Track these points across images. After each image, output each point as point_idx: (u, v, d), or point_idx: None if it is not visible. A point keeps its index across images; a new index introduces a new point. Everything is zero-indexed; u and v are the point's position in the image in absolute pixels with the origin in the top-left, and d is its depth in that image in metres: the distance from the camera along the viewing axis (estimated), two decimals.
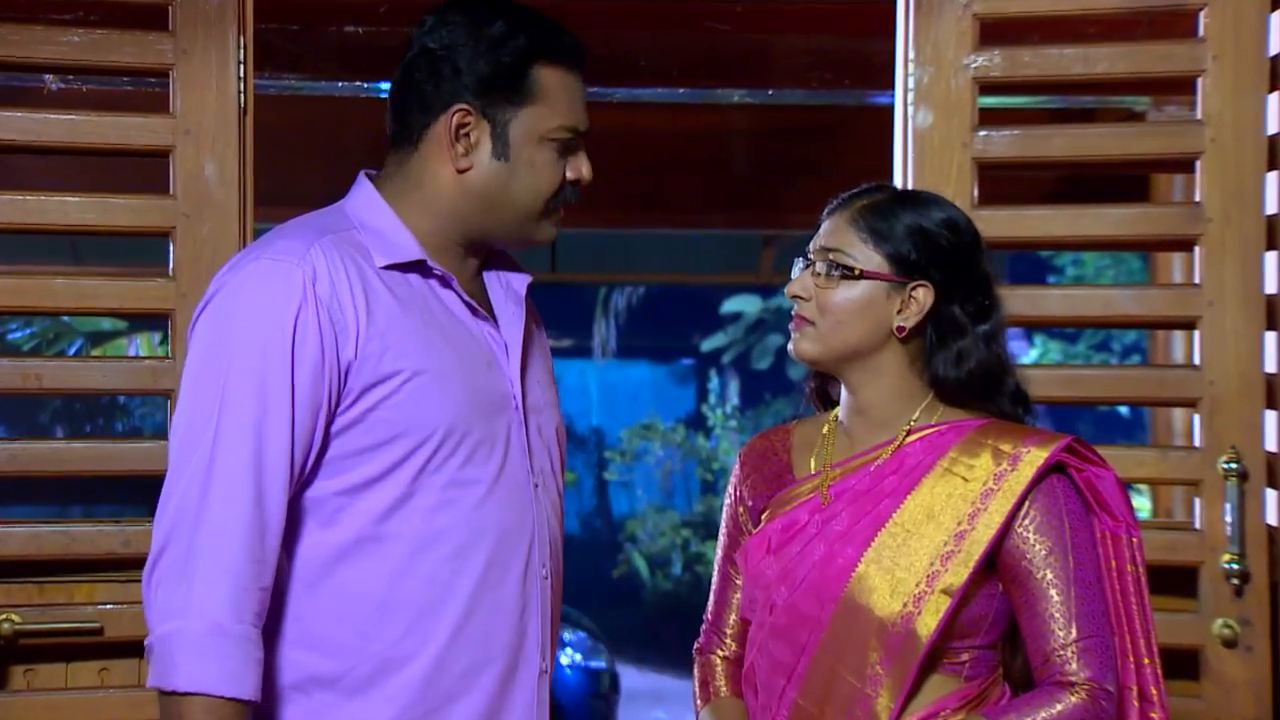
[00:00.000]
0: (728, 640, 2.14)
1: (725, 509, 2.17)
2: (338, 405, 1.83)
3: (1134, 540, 1.95)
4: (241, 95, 2.67)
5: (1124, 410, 11.65)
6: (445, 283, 1.94)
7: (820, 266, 1.97)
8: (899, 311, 1.96)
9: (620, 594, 13.25)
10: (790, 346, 2.02)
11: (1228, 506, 2.65)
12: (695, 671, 2.16)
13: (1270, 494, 2.70)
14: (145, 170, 2.70)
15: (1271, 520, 2.70)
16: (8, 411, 11.42)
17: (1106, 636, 1.89)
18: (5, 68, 2.88)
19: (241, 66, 2.67)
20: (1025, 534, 1.90)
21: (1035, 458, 1.90)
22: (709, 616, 2.18)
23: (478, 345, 1.94)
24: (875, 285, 1.96)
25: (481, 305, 1.98)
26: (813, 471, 2.04)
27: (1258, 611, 2.67)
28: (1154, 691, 1.93)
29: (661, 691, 11.12)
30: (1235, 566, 2.65)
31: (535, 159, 1.91)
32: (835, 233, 1.99)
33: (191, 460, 1.79)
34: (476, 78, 1.89)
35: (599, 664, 8.56)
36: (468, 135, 1.90)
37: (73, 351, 10.61)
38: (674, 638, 12.22)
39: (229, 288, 1.84)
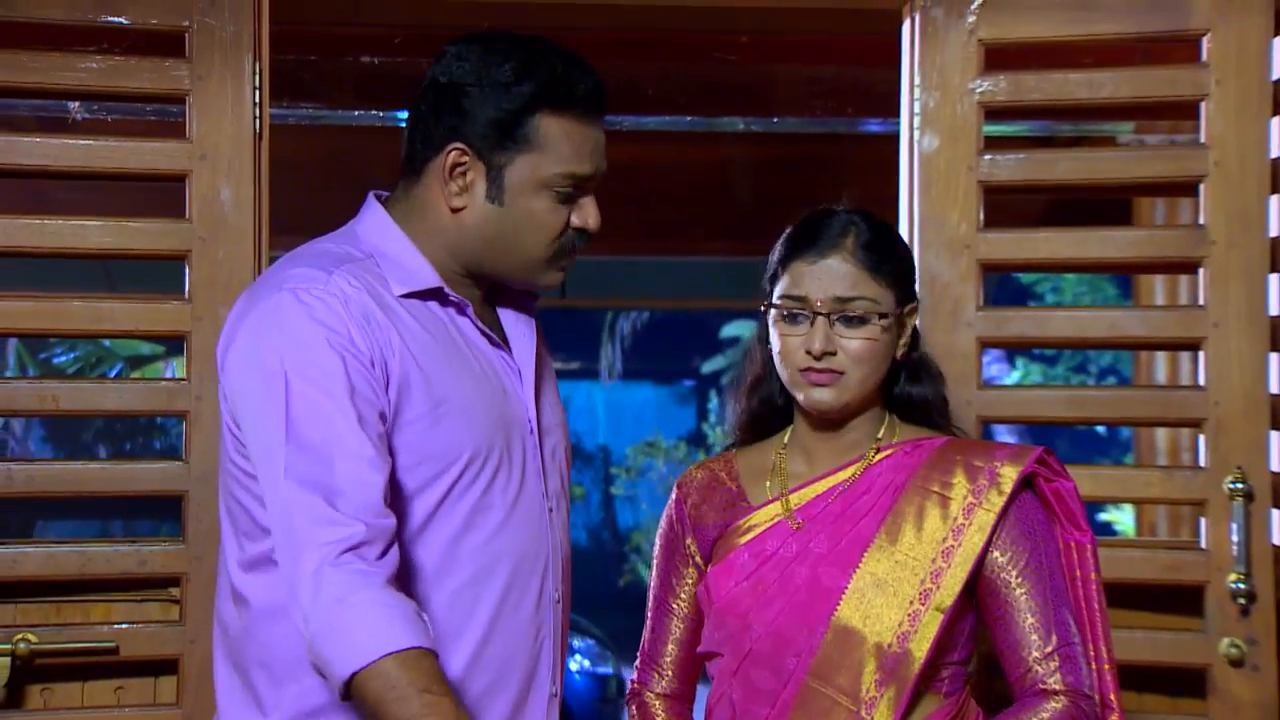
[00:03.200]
0: (667, 675, 1.98)
1: (661, 542, 2.00)
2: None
3: (1094, 549, 1.86)
4: (257, 121, 2.52)
5: (1100, 426, 11.48)
6: (461, 310, 1.81)
7: (842, 317, 1.81)
8: (899, 338, 1.87)
9: (625, 602, 13.10)
10: (818, 397, 1.83)
11: (1234, 526, 2.50)
12: (635, 713, 1.99)
13: (1275, 514, 2.54)
14: (178, 195, 2.55)
15: (1277, 540, 2.54)
16: (56, 431, 11.29)
17: (1080, 643, 1.80)
18: (24, 94, 2.76)
19: (257, 92, 2.52)
20: (1004, 547, 1.80)
21: (1011, 472, 1.81)
22: (644, 650, 2.01)
23: (495, 371, 1.82)
24: (890, 321, 1.83)
25: (494, 329, 1.85)
26: (770, 497, 1.90)
27: (1264, 631, 2.52)
28: (1113, 697, 1.84)
29: None
30: (1241, 586, 2.50)
31: (533, 205, 1.77)
32: (846, 278, 1.82)
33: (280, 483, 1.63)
34: (476, 120, 1.75)
35: (606, 670, 8.41)
36: (464, 174, 1.76)
37: (113, 374, 10.48)
38: None
39: (259, 323, 1.69)
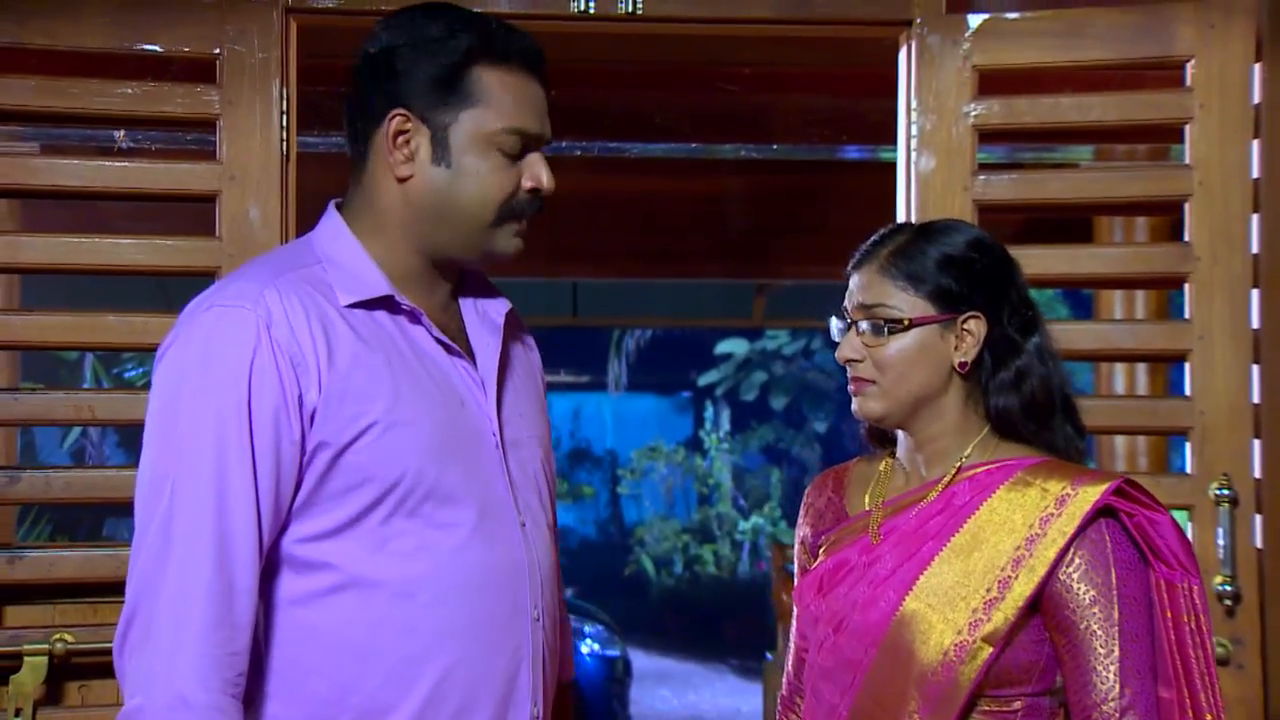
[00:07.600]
0: (805, 689, 1.71)
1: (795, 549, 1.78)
2: (305, 450, 1.45)
3: (1193, 588, 1.51)
4: (284, 144, 2.34)
5: None
6: (414, 318, 1.54)
7: (865, 325, 1.58)
8: (956, 348, 1.57)
9: (630, 589, 12.99)
10: (855, 409, 1.61)
11: (1220, 531, 2.30)
12: None
13: (1258, 519, 2.34)
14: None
15: (1260, 543, 2.34)
16: (128, 438, 11.11)
17: (1151, 694, 1.49)
18: (65, 118, 2.58)
19: (284, 116, 2.34)
20: (1069, 582, 1.49)
21: (1083, 502, 1.49)
22: (789, 669, 1.75)
23: (450, 384, 1.54)
24: (927, 329, 1.56)
25: (458, 337, 1.58)
26: (866, 509, 1.65)
27: (1249, 630, 2.32)
28: None
29: (665, 672, 10.92)
30: (1228, 588, 2.30)
31: (480, 164, 1.50)
32: (870, 287, 1.59)
33: (153, 523, 1.41)
34: (414, 81, 1.49)
35: (614, 652, 8.17)
36: (407, 141, 1.50)
37: None
38: (675, 627, 12.09)
39: (181, 339, 1.46)
